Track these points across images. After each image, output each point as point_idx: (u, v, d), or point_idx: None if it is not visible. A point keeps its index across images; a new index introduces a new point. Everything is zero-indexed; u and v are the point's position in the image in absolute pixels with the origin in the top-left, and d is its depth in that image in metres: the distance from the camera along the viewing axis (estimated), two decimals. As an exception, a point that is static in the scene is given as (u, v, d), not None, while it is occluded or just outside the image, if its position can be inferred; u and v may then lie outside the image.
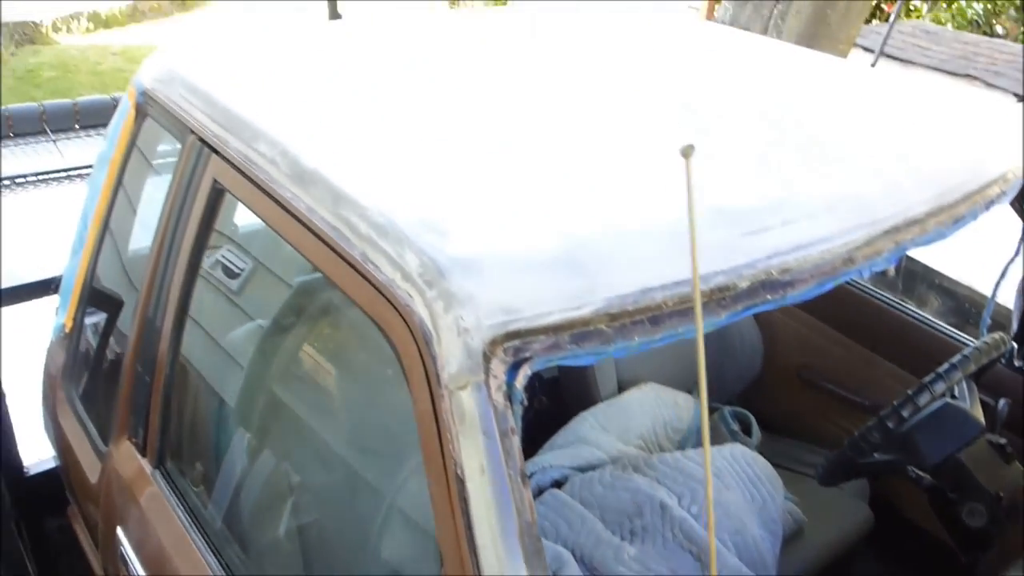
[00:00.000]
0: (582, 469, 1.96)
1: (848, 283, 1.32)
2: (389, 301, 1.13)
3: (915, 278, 4.67)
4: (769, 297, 1.19)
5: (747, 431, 2.35)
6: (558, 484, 1.92)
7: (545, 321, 1.06)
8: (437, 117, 1.51)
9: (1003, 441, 1.77)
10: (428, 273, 1.09)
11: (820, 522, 2.04)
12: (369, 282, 1.16)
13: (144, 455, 1.77)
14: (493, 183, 1.29)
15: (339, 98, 1.59)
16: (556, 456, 2.01)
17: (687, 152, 1.06)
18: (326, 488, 1.60)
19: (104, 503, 1.92)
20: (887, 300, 2.37)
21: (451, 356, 1.05)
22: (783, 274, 1.21)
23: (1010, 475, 1.73)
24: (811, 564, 2.00)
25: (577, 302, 1.08)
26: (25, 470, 2.56)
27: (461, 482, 1.03)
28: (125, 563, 1.80)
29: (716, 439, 2.25)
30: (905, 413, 1.68)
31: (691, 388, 2.32)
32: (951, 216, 1.44)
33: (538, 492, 1.88)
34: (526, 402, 1.06)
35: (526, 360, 1.05)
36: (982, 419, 1.72)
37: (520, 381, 1.04)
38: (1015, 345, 2.01)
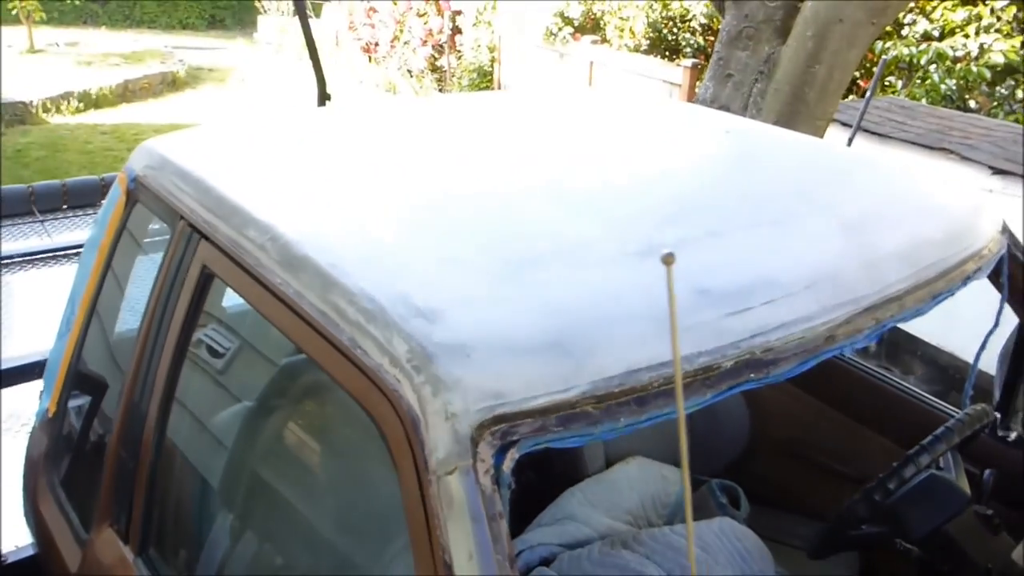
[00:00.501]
0: (570, 546, 1.93)
1: (834, 356, 1.34)
2: (377, 386, 1.14)
3: (896, 345, 4.70)
4: (753, 376, 1.22)
5: (735, 504, 2.34)
6: (546, 562, 1.89)
7: (532, 404, 1.07)
8: (424, 202, 1.54)
9: (990, 512, 1.76)
10: (416, 358, 1.10)
11: (811, 597, 2.02)
12: (357, 367, 1.17)
13: (127, 542, 1.75)
14: (480, 267, 1.31)
15: (327, 183, 1.62)
16: (544, 533, 1.99)
17: (668, 260, 1.05)
18: (310, 572, 1.58)
19: (85, 592, 1.88)
20: (873, 372, 2.38)
21: (439, 441, 1.05)
22: (766, 353, 1.23)
23: (998, 547, 1.73)
24: (803, 639, 1.97)
25: (563, 384, 1.10)
26: (3, 558, 2.51)
27: (449, 568, 1.02)
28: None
29: (704, 512, 2.23)
30: (891, 486, 1.68)
31: (678, 461, 2.30)
32: (929, 292, 1.47)
33: (526, 571, 1.85)
34: (514, 485, 1.06)
35: (514, 443, 1.06)
36: (968, 490, 1.72)
37: (508, 465, 1.05)
38: (998, 415, 2.03)
